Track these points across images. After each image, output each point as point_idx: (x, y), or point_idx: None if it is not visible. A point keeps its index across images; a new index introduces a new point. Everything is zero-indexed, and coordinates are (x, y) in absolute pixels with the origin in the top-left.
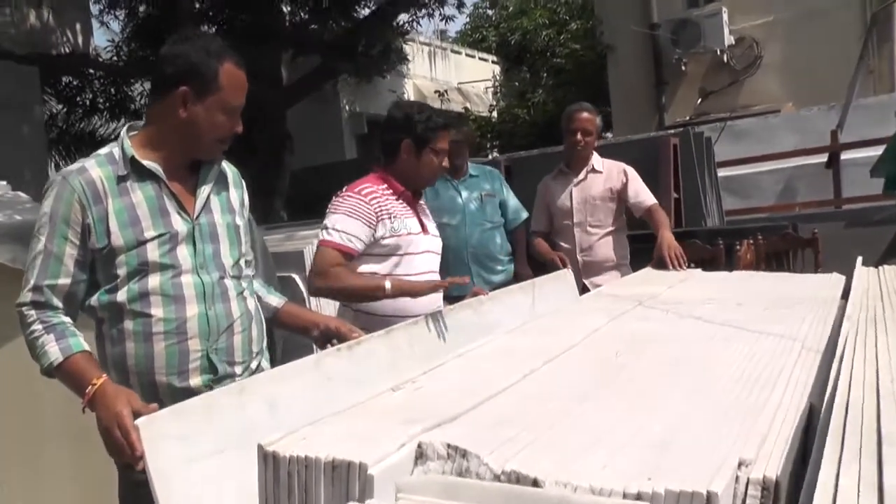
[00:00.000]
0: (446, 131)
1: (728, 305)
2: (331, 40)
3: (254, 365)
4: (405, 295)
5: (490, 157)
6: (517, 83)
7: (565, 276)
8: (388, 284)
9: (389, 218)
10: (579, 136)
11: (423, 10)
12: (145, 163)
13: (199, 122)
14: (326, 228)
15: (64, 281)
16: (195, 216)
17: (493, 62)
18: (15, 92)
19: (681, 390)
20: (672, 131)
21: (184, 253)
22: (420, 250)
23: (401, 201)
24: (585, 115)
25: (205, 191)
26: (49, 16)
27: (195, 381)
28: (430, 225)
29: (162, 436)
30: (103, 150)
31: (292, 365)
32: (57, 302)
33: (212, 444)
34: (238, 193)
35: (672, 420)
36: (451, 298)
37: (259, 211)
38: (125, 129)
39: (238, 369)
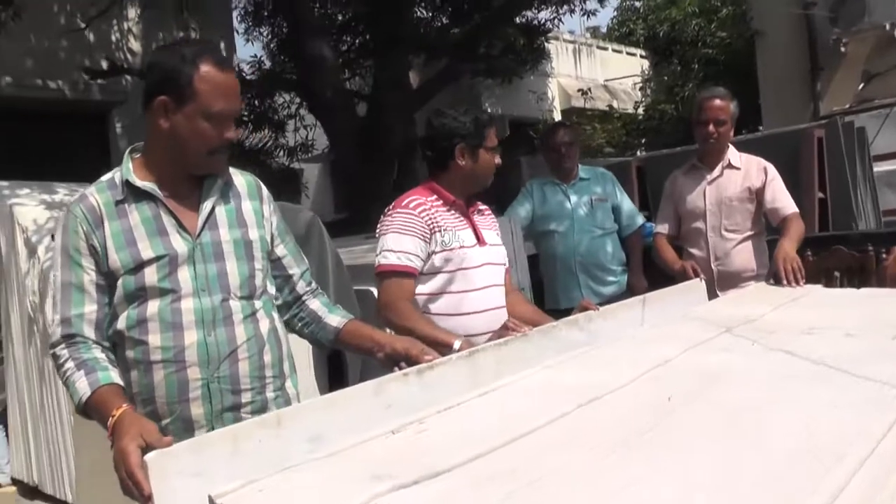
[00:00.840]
0: (492, 127)
1: (835, 336)
2: (453, 42)
3: (270, 392)
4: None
5: (625, 156)
6: (666, 77)
7: (697, 289)
8: (457, 344)
9: (440, 231)
10: (711, 128)
11: (565, 7)
12: (140, 184)
13: (182, 132)
14: (381, 252)
15: (90, 308)
16: (197, 234)
17: (641, 56)
18: None
19: (716, 454)
20: (818, 123)
21: (184, 275)
22: (477, 264)
23: (453, 212)
24: (717, 102)
25: (207, 206)
26: (196, 36)
27: (197, 410)
28: (491, 234)
29: (176, 473)
30: (106, 177)
31: (346, 392)
32: (88, 332)
33: (236, 483)
34: (254, 205)
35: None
36: (557, 312)
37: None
38: (128, 151)
39: (246, 397)
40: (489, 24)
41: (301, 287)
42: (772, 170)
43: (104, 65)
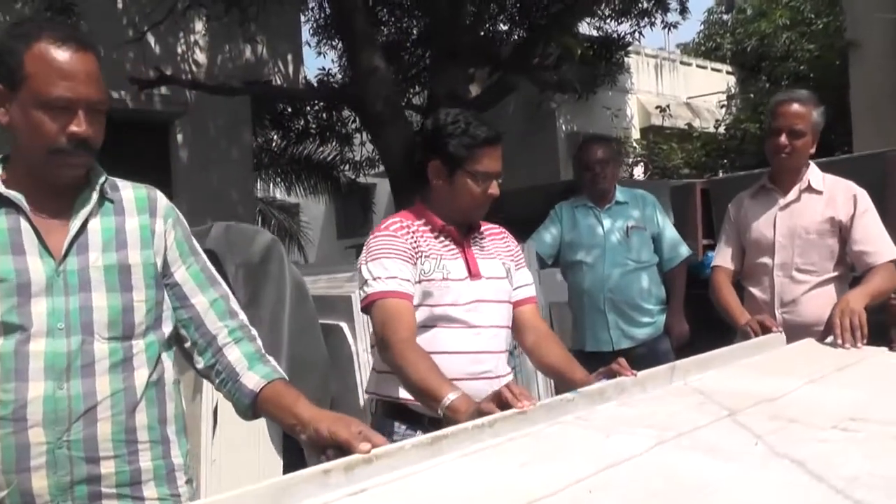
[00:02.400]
0: (490, 147)
1: (882, 438)
2: (506, 52)
3: (146, 462)
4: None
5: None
6: (752, 94)
7: (775, 346)
8: (448, 399)
9: (422, 258)
10: (783, 139)
11: (645, 20)
12: (3, 190)
13: (17, 126)
14: (365, 284)
15: None
16: (61, 258)
17: (727, 73)
18: (227, 120)
19: None
20: None
21: (38, 309)
22: (463, 301)
23: (441, 239)
24: (795, 107)
25: (76, 224)
26: (263, 49)
27: (39, 483)
28: (492, 264)
29: None
30: None
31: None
32: None
33: None
34: (141, 220)
35: None
36: (582, 356)
37: None
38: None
39: (108, 467)
40: (543, 34)
41: (212, 323)
42: (864, 199)
43: (152, 74)
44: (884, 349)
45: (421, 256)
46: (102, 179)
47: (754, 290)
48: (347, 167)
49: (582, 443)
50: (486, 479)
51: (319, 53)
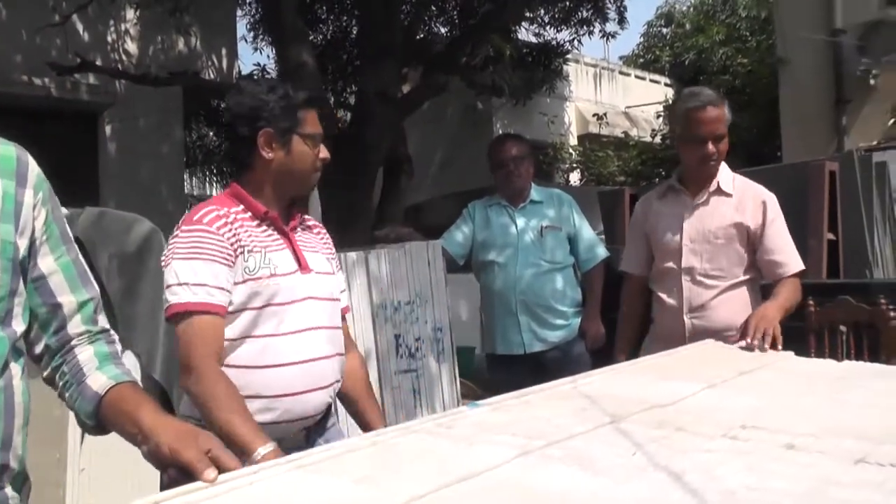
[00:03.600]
0: (316, 109)
1: (772, 446)
2: (435, 51)
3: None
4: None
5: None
6: None
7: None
8: (259, 454)
9: (244, 253)
10: (711, 147)
11: (584, 28)
12: None
13: None
14: (169, 288)
15: None
16: None
17: (665, 84)
18: (158, 114)
19: None
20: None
21: None
22: (294, 298)
23: (264, 228)
24: (713, 111)
25: None
26: (197, 42)
27: None
28: (318, 259)
29: None
30: None
31: None
32: None
33: None
34: (8, 186)
35: None
36: (493, 359)
37: (365, 241)
38: None
39: None
40: (472, 33)
41: (75, 327)
42: (773, 205)
43: (76, 61)
44: (790, 353)
45: (244, 252)
46: None
47: (662, 295)
48: None
49: (435, 453)
50: (311, 496)
51: (256, 49)
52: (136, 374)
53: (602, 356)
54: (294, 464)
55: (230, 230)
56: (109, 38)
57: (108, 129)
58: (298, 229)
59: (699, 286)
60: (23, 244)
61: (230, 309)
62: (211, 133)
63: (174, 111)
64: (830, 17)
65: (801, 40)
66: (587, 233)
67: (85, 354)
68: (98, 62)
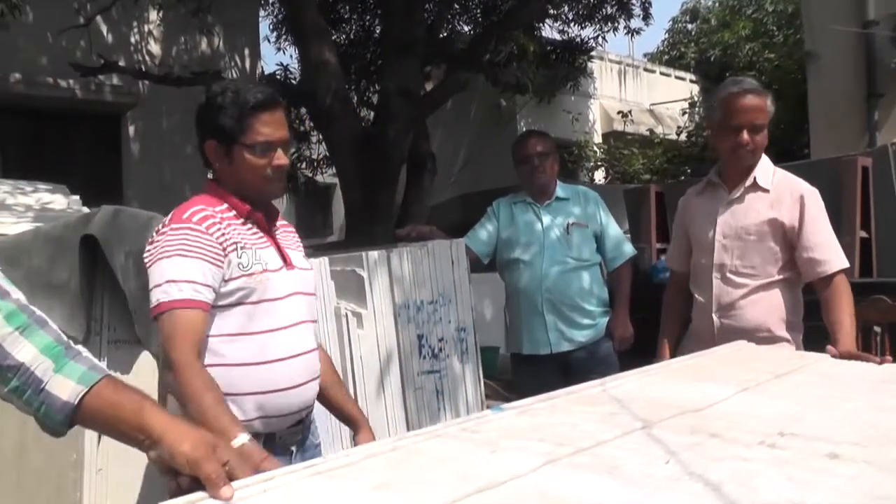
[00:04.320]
0: (265, 112)
1: (814, 455)
2: (457, 48)
3: None
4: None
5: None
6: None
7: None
8: (238, 441)
9: (237, 250)
10: (746, 136)
11: (609, 24)
12: None
13: None
14: (158, 286)
15: None
16: None
17: (691, 81)
18: (181, 114)
19: None
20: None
21: None
22: (283, 294)
23: (249, 226)
24: (753, 99)
25: None
26: (220, 42)
27: None
28: (297, 255)
29: None
30: None
31: None
32: None
33: None
34: None
35: None
36: (520, 359)
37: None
38: None
39: None
40: (495, 30)
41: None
42: (813, 201)
43: (100, 62)
44: (825, 355)
45: (237, 248)
46: None
47: (697, 295)
48: (304, 165)
49: (457, 460)
50: (327, 503)
51: (279, 49)
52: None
53: (630, 357)
54: (310, 470)
55: (218, 229)
56: (133, 39)
57: (131, 129)
58: (278, 228)
59: (728, 284)
60: None
61: (225, 303)
62: None
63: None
64: (862, 8)
65: (831, 33)
66: (614, 230)
67: (27, 352)
68: (121, 63)
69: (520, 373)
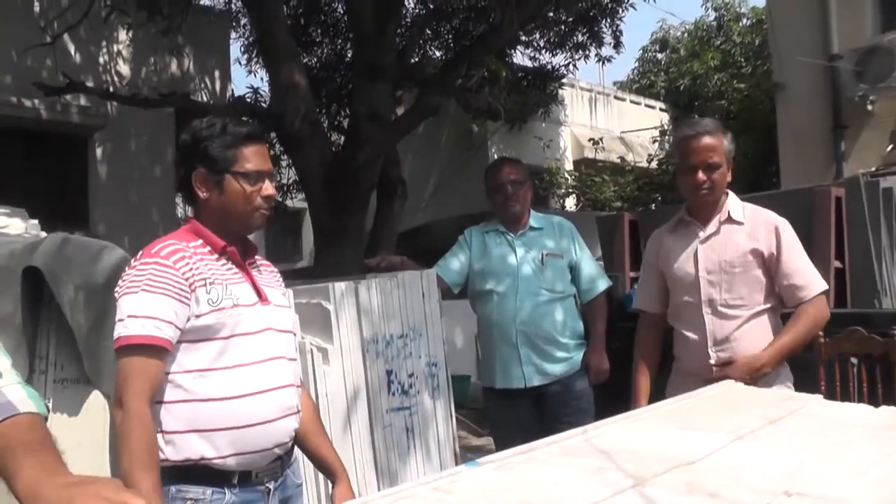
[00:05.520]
0: (255, 144)
1: None
2: (428, 72)
3: None
4: None
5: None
6: None
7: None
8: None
9: (206, 286)
10: (701, 175)
11: (579, 52)
12: None
13: None
14: (121, 320)
15: None
16: None
17: (661, 109)
18: (150, 136)
19: None
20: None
21: None
22: (257, 328)
23: (223, 262)
24: (706, 140)
25: None
26: (190, 63)
27: None
28: (274, 292)
29: None
30: None
31: None
32: None
33: None
34: None
35: None
36: (492, 392)
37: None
38: None
39: None
40: (466, 54)
41: None
42: (786, 230)
43: (65, 82)
44: (818, 397)
45: (205, 284)
46: None
47: (684, 331)
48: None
49: None
50: None
51: (250, 72)
52: (105, 416)
53: (604, 390)
54: None
55: (187, 264)
56: (101, 59)
57: (98, 151)
58: (255, 264)
59: (722, 318)
60: None
61: (194, 337)
62: None
63: (166, 133)
64: (827, 42)
65: (798, 65)
66: (588, 262)
67: None
68: (90, 83)
69: (492, 407)
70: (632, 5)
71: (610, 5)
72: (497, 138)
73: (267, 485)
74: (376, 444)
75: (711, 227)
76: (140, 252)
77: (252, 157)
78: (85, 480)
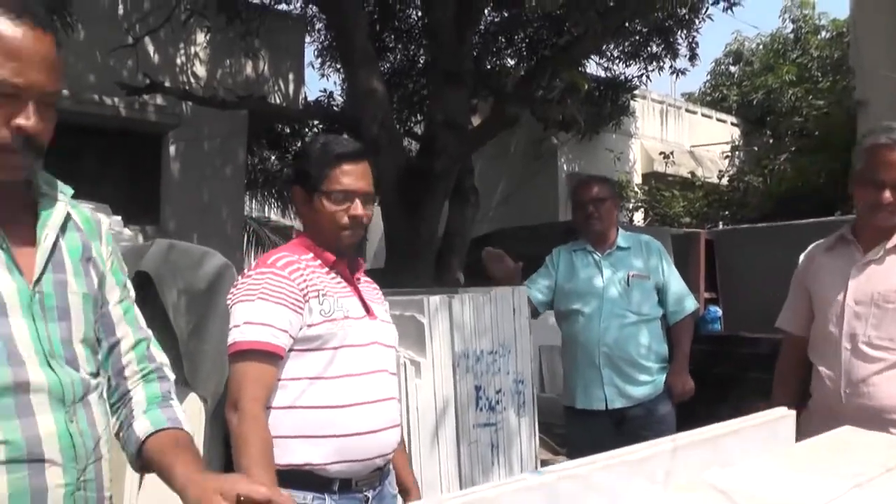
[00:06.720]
0: (348, 163)
1: None
2: (508, 82)
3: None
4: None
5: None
6: (756, 147)
7: (784, 424)
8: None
9: (318, 297)
10: (888, 195)
11: (653, 64)
12: None
13: None
14: (237, 326)
15: None
16: (36, 277)
17: (732, 124)
18: (223, 136)
19: None
20: None
21: (21, 335)
22: (365, 341)
23: (334, 276)
24: None
25: (49, 238)
26: (264, 66)
27: None
28: (379, 308)
29: None
30: None
31: None
32: None
33: None
34: (95, 246)
35: None
36: (574, 413)
37: (429, 272)
38: None
39: None
40: (548, 65)
41: (131, 363)
42: None
43: (145, 82)
44: None
45: (318, 295)
46: (64, 187)
47: (820, 366)
48: None
49: None
50: None
51: (323, 76)
52: (201, 418)
53: (686, 415)
54: None
55: (301, 275)
56: (179, 61)
57: (172, 149)
58: (361, 281)
59: (860, 357)
60: (99, 292)
61: (305, 347)
62: (272, 156)
63: (238, 134)
64: None
65: (883, 81)
66: (676, 282)
67: (138, 395)
68: (167, 84)
69: (572, 427)
70: (709, 16)
71: (686, 16)
72: (567, 149)
73: (366, 493)
74: (462, 458)
75: (873, 254)
76: (255, 262)
77: (343, 177)
78: (221, 476)
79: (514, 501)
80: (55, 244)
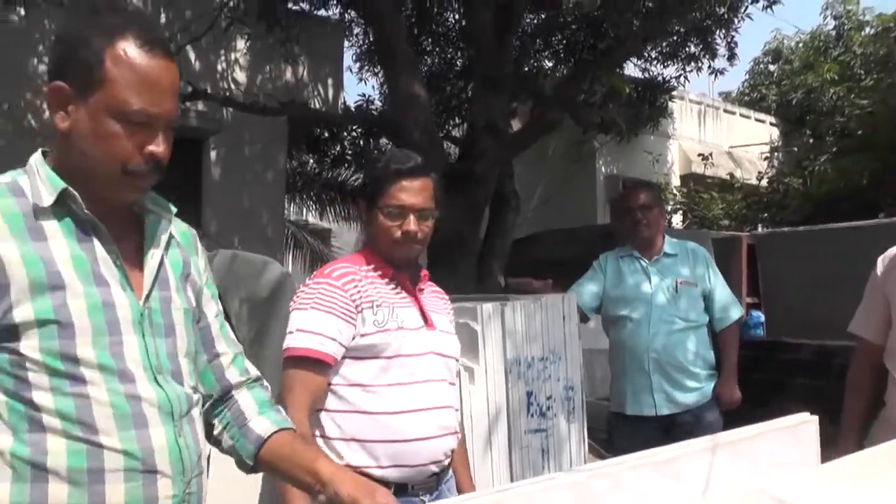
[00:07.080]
0: (405, 179)
1: None
2: (550, 87)
3: None
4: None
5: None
6: (795, 148)
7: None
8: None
9: (372, 307)
10: None
11: (691, 64)
12: (85, 212)
13: (82, 132)
14: (291, 332)
15: None
16: (146, 294)
17: (771, 124)
18: (263, 141)
19: None
20: None
21: (132, 351)
22: (420, 351)
23: (394, 286)
24: None
25: (155, 256)
26: (304, 71)
27: None
28: (441, 319)
29: None
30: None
31: None
32: None
33: None
34: (194, 261)
35: None
36: (622, 418)
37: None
38: (38, 153)
39: None
40: (589, 70)
41: (232, 375)
42: None
43: (188, 89)
44: None
45: (372, 306)
46: (169, 206)
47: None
48: None
49: None
50: None
51: (361, 80)
52: None
53: (732, 422)
54: None
55: (355, 286)
56: (220, 67)
57: (213, 154)
58: (424, 291)
59: None
60: (196, 307)
61: (358, 355)
62: (311, 160)
63: (279, 139)
64: None
65: None
66: (722, 291)
67: (245, 399)
68: (208, 90)
69: (620, 432)
70: (748, 15)
71: (726, 15)
72: (605, 151)
73: (422, 497)
74: (513, 464)
75: None
76: (315, 272)
77: (399, 193)
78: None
79: (546, 499)
80: (161, 261)
